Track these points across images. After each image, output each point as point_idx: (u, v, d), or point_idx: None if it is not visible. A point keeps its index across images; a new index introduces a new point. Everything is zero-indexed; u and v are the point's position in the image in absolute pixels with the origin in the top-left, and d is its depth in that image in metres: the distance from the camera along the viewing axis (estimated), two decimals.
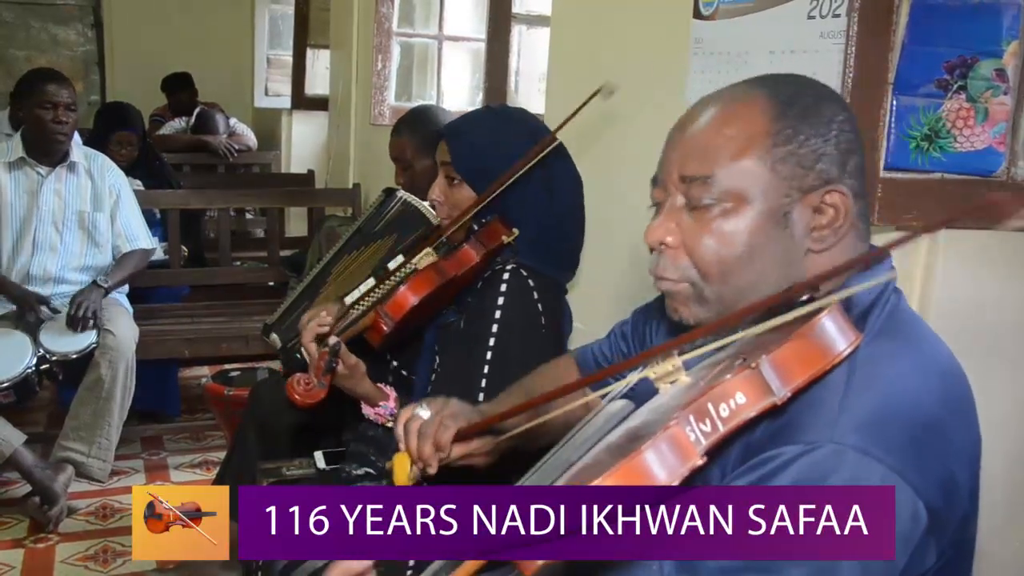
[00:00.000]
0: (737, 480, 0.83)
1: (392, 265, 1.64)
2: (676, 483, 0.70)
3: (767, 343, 0.80)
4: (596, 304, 2.01)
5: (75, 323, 2.79)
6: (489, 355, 1.52)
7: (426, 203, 2.14)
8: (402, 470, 1.21)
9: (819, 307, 0.80)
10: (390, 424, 1.66)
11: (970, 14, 1.29)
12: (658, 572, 0.90)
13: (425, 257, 1.59)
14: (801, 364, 0.78)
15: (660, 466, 0.70)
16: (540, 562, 0.70)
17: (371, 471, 1.72)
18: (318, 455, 1.99)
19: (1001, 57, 1.27)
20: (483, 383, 1.51)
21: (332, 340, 1.49)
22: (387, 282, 1.63)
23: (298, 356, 1.76)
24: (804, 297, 0.83)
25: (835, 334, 0.80)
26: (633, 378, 0.84)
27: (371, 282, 1.66)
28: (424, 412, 1.19)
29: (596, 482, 0.68)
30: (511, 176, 1.50)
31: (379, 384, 1.65)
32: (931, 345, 0.92)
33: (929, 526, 0.81)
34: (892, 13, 1.32)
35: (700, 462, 0.71)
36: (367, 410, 1.66)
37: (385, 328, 1.53)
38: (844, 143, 0.92)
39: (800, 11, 1.48)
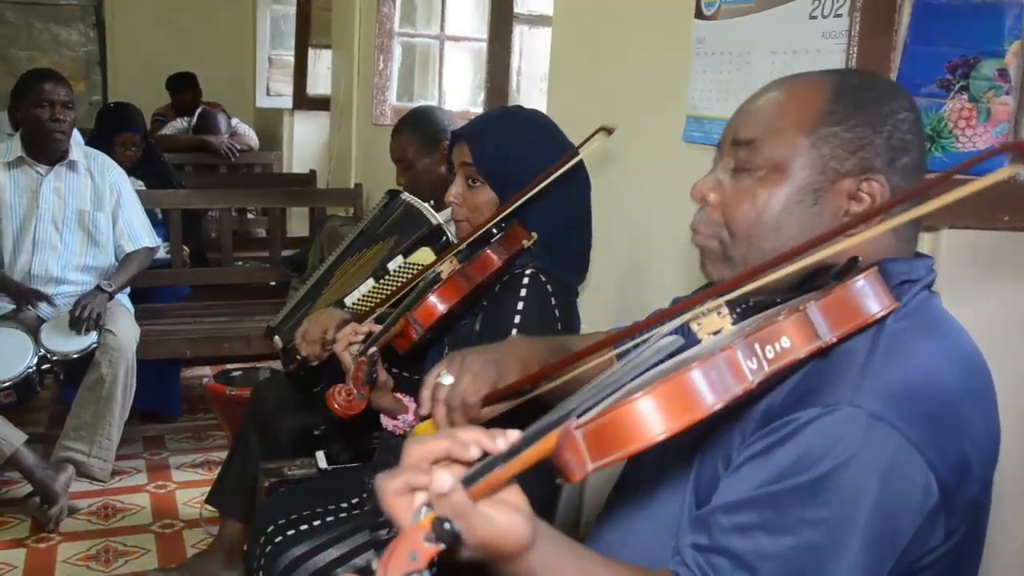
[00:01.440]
0: (755, 444, 0.85)
1: (392, 266, 1.63)
2: (722, 405, 0.70)
3: (811, 297, 0.83)
4: (601, 305, 2.01)
5: (79, 325, 2.79)
6: None
7: (427, 204, 2.14)
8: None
9: (859, 273, 0.85)
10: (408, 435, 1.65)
11: (972, 14, 1.29)
12: (678, 515, 0.92)
13: (447, 263, 1.59)
14: (847, 312, 0.82)
15: (711, 383, 0.70)
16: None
17: None
18: (319, 455, 1.99)
19: (1003, 57, 1.27)
20: None
21: (370, 351, 1.49)
22: (385, 280, 1.61)
23: (299, 357, 1.76)
24: (839, 269, 0.87)
25: (872, 296, 0.85)
26: (678, 321, 0.86)
27: (371, 283, 1.65)
28: (447, 379, 1.19)
29: (641, 393, 0.68)
30: (532, 189, 1.50)
31: (397, 394, 1.65)
32: (958, 335, 0.93)
33: (939, 502, 0.82)
34: (894, 13, 1.32)
35: (752, 386, 0.73)
36: (386, 421, 1.65)
37: (415, 335, 1.54)
38: (897, 140, 0.93)
39: (802, 11, 1.48)
